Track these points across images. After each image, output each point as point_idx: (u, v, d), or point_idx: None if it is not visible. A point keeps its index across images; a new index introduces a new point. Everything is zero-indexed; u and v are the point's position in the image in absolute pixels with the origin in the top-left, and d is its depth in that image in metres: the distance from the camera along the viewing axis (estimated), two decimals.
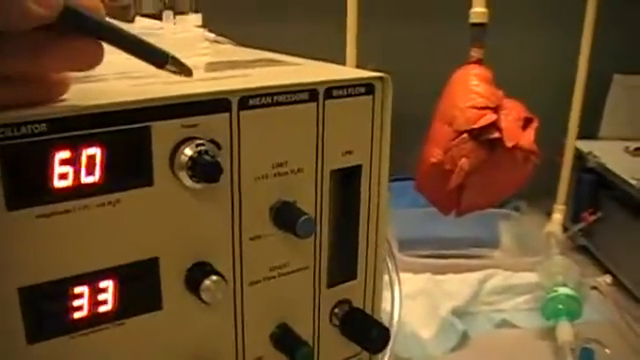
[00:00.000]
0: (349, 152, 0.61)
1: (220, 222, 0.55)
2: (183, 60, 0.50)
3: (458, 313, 1.19)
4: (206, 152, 0.50)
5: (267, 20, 1.49)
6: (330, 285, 0.64)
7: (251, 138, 0.55)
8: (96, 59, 0.47)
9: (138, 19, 0.77)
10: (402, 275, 0.84)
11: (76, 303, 0.50)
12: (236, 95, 0.53)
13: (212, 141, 0.52)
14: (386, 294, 0.78)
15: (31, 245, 0.48)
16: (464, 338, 1.14)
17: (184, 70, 0.50)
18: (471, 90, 1.16)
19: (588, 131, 1.52)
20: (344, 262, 0.64)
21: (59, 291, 0.50)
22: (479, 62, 1.20)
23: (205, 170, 0.50)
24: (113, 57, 0.50)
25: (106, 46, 0.47)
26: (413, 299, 1.20)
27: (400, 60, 1.29)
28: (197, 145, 0.51)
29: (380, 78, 0.60)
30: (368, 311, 0.66)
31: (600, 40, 1.33)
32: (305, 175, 0.59)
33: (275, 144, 0.56)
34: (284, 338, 0.61)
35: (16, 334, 0.49)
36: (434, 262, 1.33)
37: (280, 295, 0.61)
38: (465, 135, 1.14)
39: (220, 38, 0.77)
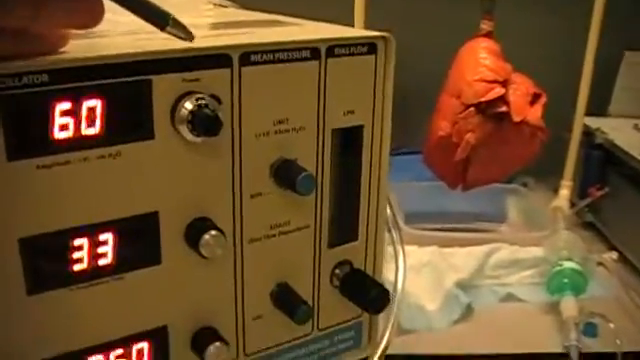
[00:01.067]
0: (351, 112, 0.61)
1: (220, 178, 0.55)
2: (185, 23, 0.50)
3: (463, 286, 1.19)
4: (206, 106, 0.50)
5: None
6: (331, 245, 0.64)
7: (252, 94, 0.55)
8: (95, 17, 0.46)
9: None
10: (408, 248, 0.84)
11: (76, 255, 0.51)
12: (237, 51, 0.53)
13: (213, 96, 0.52)
14: (391, 266, 0.78)
15: (31, 196, 0.48)
16: (468, 311, 1.15)
17: (185, 33, 0.50)
18: (480, 63, 1.16)
19: (597, 108, 1.51)
20: (345, 223, 0.64)
21: (59, 243, 0.50)
22: (489, 35, 1.20)
23: (205, 123, 0.50)
24: (119, 17, 0.50)
25: (113, 6, 0.47)
26: (418, 271, 1.21)
27: (409, 32, 1.29)
28: (197, 99, 0.51)
29: (383, 37, 0.60)
30: (369, 273, 0.67)
31: (611, 16, 1.33)
32: (306, 133, 0.59)
33: (276, 101, 0.56)
34: (284, 297, 0.61)
35: (16, 285, 0.49)
36: (440, 235, 1.33)
37: (280, 254, 0.61)
38: (472, 108, 1.14)
39: (224, 2, 0.77)
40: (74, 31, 0.48)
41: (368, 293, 0.62)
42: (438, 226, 1.39)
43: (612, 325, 1.07)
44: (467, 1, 1.20)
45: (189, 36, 0.50)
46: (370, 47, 0.60)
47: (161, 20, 0.49)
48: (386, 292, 0.62)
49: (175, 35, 0.49)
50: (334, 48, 0.58)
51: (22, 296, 0.49)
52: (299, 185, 0.56)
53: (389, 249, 0.78)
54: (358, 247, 0.66)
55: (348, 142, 0.62)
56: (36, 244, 0.49)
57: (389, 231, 0.75)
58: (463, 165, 1.19)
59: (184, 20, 0.51)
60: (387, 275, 0.77)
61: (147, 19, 0.48)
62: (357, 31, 0.64)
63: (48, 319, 0.51)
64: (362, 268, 0.66)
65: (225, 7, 0.77)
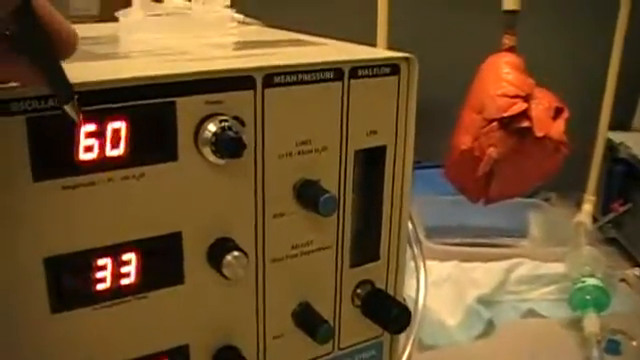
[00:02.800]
0: (374, 132, 0.61)
1: (243, 198, 0.56)
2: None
3: (484, 301, 1.18)
4: (229, 128, 0.51)
5: (297, 4, 1.50)
6: (353, 265, 0.64)
7: (275, 116, 0.55)
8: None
9: None
10: (429, 262, 0.84)
11: (99, 275, 0.51)
12: (261, 72, 0.53)
13: (236, 118, 0.52)
14: (412, 281, 0.78)
15: (56, 216, 0.48)
16: (489, 326, 1.14)
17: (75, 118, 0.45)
18: (502, 78, 1.16)
19: (621, 122, 1.50)
20: (367, 243, 0.65)
21: (83, 262, 0.50)
22: (511, 49, 1.19)
23: (228, 146, 0.51)
24: (142, 36, 0.50)
25: (134, 24, 0.47)
26: (439, 286, 1.20)
27: (432, 47, 1.29)
28: (221, 121, 0.51)
29: (406, 59, 0.60)
30: (390, 292, 0.67)
31: (634, 29, 1.32)
32: (329, 154, 0.59)
33: (299, 122, 0.57)
34: (305, 316, 0.61)
35: (40, 303, 0.49)
36: (461, 250, 1.32)
37: (302, 273, 0.61)
38: (495, 123, 1.13)
39: (248, 19, 0.78)
40: (98, 52, 0.48)
41: (389, 313, 0.62)
42: (459, 241, 1.38)
43: (635, 343, 1.06)
44: (489, 16, 1.20)
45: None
46: (393, 68, 0.60)
47: (66, 95, 0.44)
48: (407, 312, 0.62)
49: (67, 114, 0.44)
50: (357, 69, 0.58)
51: (46, 315, 0.50)
52: (321, 206, 0.56)
53: (410, 264, 0.78)
54: (380, 267, 0.66)
55: (371, 162, 0.62)
56: (61, 263, 0.49)
57: (410, 246, 0.75)
58: (485, 180, 1.19)
59: (209, 39, 0.51)
60: (408, 291, 0.77)
61: (55, 90, 0.44)
62: (380, 52, 0.64)
63: (71, 337, 0.51)
64: (383, 287, 0.66)
65: (249, 24, 0.77)
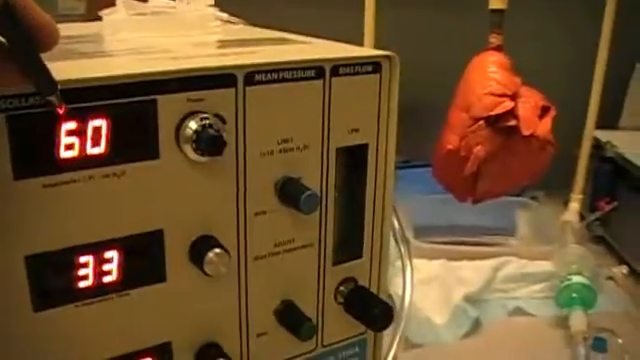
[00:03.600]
0: (355, 130, 0.61)
1: (225, 196, 0.56)
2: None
3: (471, 300, 1.18)
4: (210, 126, 0.51)
5: (283, 3, 1.50)
6: (335, 263, 0.64)
7: (257, 114, 0.55)
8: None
9: None
10: (416, 261, 0.84)
11: (81, 272, 0.51)
12: (242, 70, 0.54)
13: (217, 115, 0.53)
14: (399, 280, 0.78)
15: (37, 214, 0.48)
16: (477, 325, 1.14)
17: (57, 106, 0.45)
18: (489, 77, 1.16)
19: (608, 121, 1.51)
20: (350, 240, 0.65)
21: (65, 260, 0.51)
22: (498, 49, 1.19)
23: (208, 143, 0.51)
24: (122, 35, 0.50)
25: (118, 23, 0.47)
26: (427, 285, 1.20)
27: (418, 46, 1.29)
28: (202, 119, 0.51)
29: (387, 57, 0.61)
30: (374, 290, 0.67)
31: (621, 28, 1.33)
32: (311, 152, 0.59)
33: (281, 120, 0.57)
34: (288, 314, 0.61)
35: (22, 302, 0.50)
36: (449, 248, 1.32)
37: (285, 271, 0.61)
38: (482, 122, 1.14)
39: (233, 18, 0.78)
40: (81, 51, 0.49)
41: (371, 311, 0.63)
42: (447, 239, 1.39)
43: (621, 340, 1.06)
44: (476, 15, 1.20)
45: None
46: (375, 66, 0.60)
47: (49, 87, 0.44)
48: (390, 310, 0.63)
49: (50, 104, 0.45)
50: (339, 67, 0.58)
51: (28, 313, 0.50)
52: (303, 204, 0.56)
53: (397, 263, 0.78)
54: (363, 264, 0.66)
55: (353, 160, 0.62)
56: (42, 261, 0.49)
57: (397, 244, 0.75)
58: (472, 178, 1.19)
59: (193, 38, 0.51)
60: (395, 289, 0.77)
61: (37, 83, 0.44)
62: (362, 50, 0.64)
63: (54, 336, 0.51)
64: (367, 285, 0.66)
65: (233, 23, 0.77)
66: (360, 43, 1.19)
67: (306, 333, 0.60)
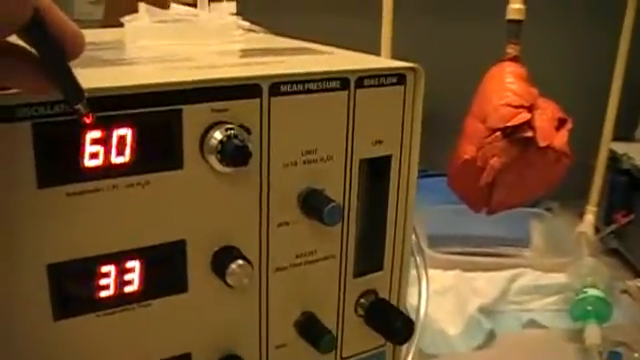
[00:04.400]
0: (379, 142, 0.61)
1: (248, 207, 0.55)
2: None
3: (486, 311, 1.18)
4: (235, 136, 0.51)
5: (302, 11, 1.49)
6: (356, 275, 0.64)
7: (281, 125, 0.55)
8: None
9: (173, 6, 0.77)
10: (431, 271, 0.84)
11: (103, 282, 0.51)
12: (267, 81, 0.53)
13: (242, 126, 0.52)
14: (414, 290, 0.77)
15: (60, 223, 0.48)
16: (490, 337, 1.13)
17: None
18: (506, 88, 1.16)
19: (624, 133, 1.50)
20: (371, 252, 0.64)
21: (86, 269, 0.50)
22: (515, 59, 1.19)
23: (233, 154, 0.50)
24: (147, 42, 0.50)
25: (140, 30, 0.47)
26: (441, 295, 1.20)
27: (435, 56, 1.29)
28: (227, 129, 0.51)
29: (412, 69, 0.60)
30: (394, 302, 0.66)
31: (638, 40, 1.32)
32: (334, 163, 0.59)
33: (305, 131, 0.57)
34: (308, 326, 0.61)
35: (43, 310, 0.49)
36: (463, 259, 1.32)
37: (306, 283, 0.61)
38: (498, 133, 1.13)
39: (254, 27, 0.78)
40: (104, 58, 0.48)
41: (393, 324, 0.62)
42: (461, 250, 1.38)
43: (637, 355, 1.05)
44: (493, 25, 1.20)
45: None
46: (399, 78, 0.60)
47: (76, 95, 0.44)
48: (411, 323, 0.62)
49: (77, 112, 0.44)
50: (363, 79, 0.58)
51: (49, 322, 0.50)
52: (326, 216, 0.56)
53: (412, 272, 0.78)
54: (383, 277, 0.66)
55: (376, 172, 0.62)
56: (64, 270, 0.49)
57: (412, 255, 0.75)
58: (488, 189, 1.19)
59: (215, 46, 0.51)
60: (410, 299, 0.77)
61: (65, 91, 0.44)
62: (386, 62, 0.64)
63: (74, 345, 0.51)
64: (387, 297, 0.66)
65: (255, 32, 0.77)
66: (377, 52, 1.18)
67: (326, 345, 0.60)
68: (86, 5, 1.50)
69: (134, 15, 0.71)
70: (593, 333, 1.08)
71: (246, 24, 0.76)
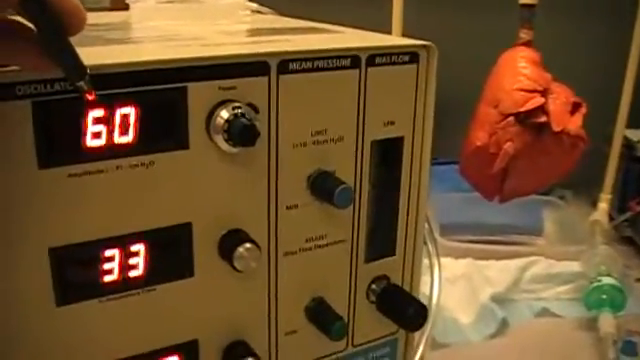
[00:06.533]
0: (391, 123, 0.59)
1: (256, 189, 0.54)
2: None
3: (498, 300, 1.17)
4: (242, 115, 0.49)
5: None
6: (368, 260, 0.62)
7: (290, 104, 0.53)
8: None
9: None
10: (443, 260, 0.82)
11: (106, 266, 0.50)
12: (275, 58, 0.52)
13: (250, 105, 0.51)
14: (426, 278, 0.76)
15: (62, 205, 0.47)
16: (503, 325, 1.12)
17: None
18: (519, 72, 1.14)
19: (637, 120, 1.48)
20: (383, 237, 0.63)
21: (89, 253, 0.49)
22: (528, 44, 1.17)
23: (241, 133, 0.49)
24: (154, 23, 0.48)
25: (146, 11, 0.45)
26: (453, 284, 1.19)
27: (446, 42, 1.27)
28: (234, 108, 0.49)
29: (425, 46, 0.58)
30: (406, 288, 0.65)
31: None
32: (345, 144, 0.57)
33: (315, 111, 0.55)
34: (319, 312, 0.60)
35: (45, 296, 0.48)
36: (475, 247, 1.30)
37: (316, 268, 0.59)
38: (511, 118, 1.12)
39: (262, 8, 0.76)
40: (108, 37, 0.47)
41: (406, 310, 0.61)
42: (474, 238, 1.36)
43: None
44: (506, 10, 1.18)
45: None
46: (412, 56, 0.58)
47: (78, 72, 0.42)
48: (424, 309, 0.61)
49: (79, 90, 0.42)
50: (375, 57, 0.56)
51: (51, 307, 0.48)
52: (337, 198, 0.54)
53: (424, 261, 0.76)
54: (396, 262, 0.64)
55: (388, 154, 0.60)
56: (66, 254, 0.48)
57: (424, 243, 0.73)
58: (501, 176, 1.17)
59: (222, 26, 0.49)
60: (422, 288, 0.75)
61: (66, 68, 0.42)
62: (399, 39, 0.62)
63: (77, 331, 0.50)
64: (399, 284, 0.64)
65: (263, 13, 0.75)
66: None
67: (337, 332, 0.59)
68: None
69: None
70: (607, 322, 1.07)
71: (254, 5, 0.75)
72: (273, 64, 0.52)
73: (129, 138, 0.47)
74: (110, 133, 0.47)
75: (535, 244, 1.42)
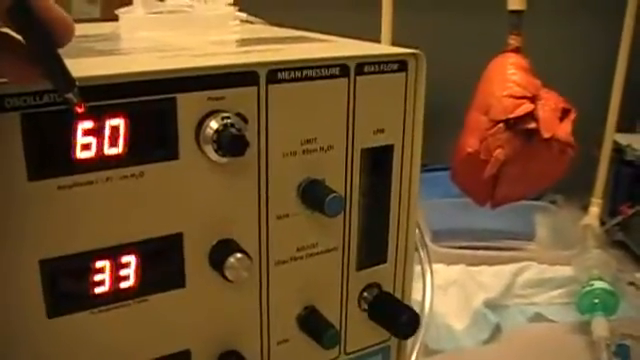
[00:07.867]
0: (380, 131, 0.59)
1: (246, 199, 0.54)
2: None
3: (491, 305, 1.17)
4: (232, 125, 0.49)
5: (298, 4, 1.48)
6: (359, 268, 0.62)
7: (279, 113, 0.53)
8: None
9: None
10: (435, 266, 0.82)
11: (97, 278, 0.50)
12: (264, 68, 0.52)
13: (239, 115, 0.51)
14: (418, 285, 0.76)
15: (52, 217, 0.47)
16: (496, 331, 1.12)
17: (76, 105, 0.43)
18: (508, 79, 1.14)
19: (628, 124, 1.49)
20: (374, 245, 0.63)
21: (80, 265, 0.49)
22: (517, 50, 1.18)
23: (230, 143, 0.49)
24: (143, 33, 0.48)
25: (135, 22, 0.45)
26: (446, 290, 1.18)
27: (436, 48, 1.27)
28: (223, 118, 0.49)
29: (413, 54, 0.59)
30: (398, 296, 0.65)
31: None
32: (335, 153, 0.57)
33: (304, 120, 0.55)
34: (311, 321, 0.60)
35: (36, 308, 0.48)
36: (468, 253, 1.30)
37: (307, 276, 0.59)
38: (501, 125, 1.12)
39: (251, 18, 0.76)
40: (97, 49, 0.47)
41: (398, 317, 0.61)
42: (466, 244, 1.36)
43: None
44: (495, 16, 1.19)
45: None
46: (400, 64, 0.58)
47: (66, 84, 0.42)
48: (416, 316, 0.61)
49: (68, 102, 0.42)
50: (364, 65, 0.56)
51: (42, 319, 0.48)
52: (327, 207, 0.54)
53: (416, 268, 0.76)
54: (387, 269, 0.64)
55: (378, 162, 0.60)
56: (57, 266, 0.48)
57: (416, 249, 0.74)
58: (492, 182, 1.18)
59: (212, 37, 0.50)
60: (414, 294, 0.75)
61: (55, 80, 0.42)
62: (387, 48, 0.62)
63: (68, 343, 0.50)
64: (391, 291, 0.64)
65: (252, 23, 0.76)
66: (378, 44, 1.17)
67: (329, 340, 0.59)
68: (84, 4, 1.49)
69: (129, 7, 0.70)
70: (600, 326, 1.07)
71: (243, 15, 0.75)
72: (262, 74, 0.52)
73: (119, 149, 0.48)
74: (100, 144, 0.47)
75: (527, 249, 1.42)
